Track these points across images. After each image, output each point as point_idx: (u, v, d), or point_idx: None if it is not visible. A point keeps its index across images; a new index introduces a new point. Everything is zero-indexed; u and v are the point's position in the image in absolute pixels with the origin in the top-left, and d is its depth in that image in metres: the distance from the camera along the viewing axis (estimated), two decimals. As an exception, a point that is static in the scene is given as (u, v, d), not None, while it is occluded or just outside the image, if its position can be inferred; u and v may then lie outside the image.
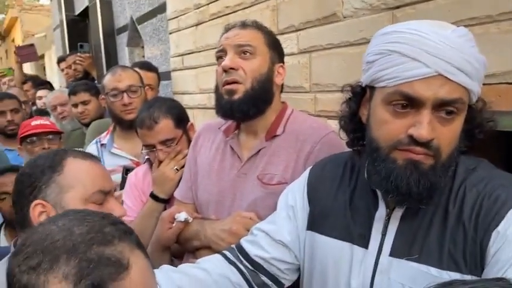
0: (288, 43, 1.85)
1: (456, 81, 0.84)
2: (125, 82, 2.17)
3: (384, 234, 0.98)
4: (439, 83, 0.84)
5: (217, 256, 1.22)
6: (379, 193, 1.02)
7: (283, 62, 1.52)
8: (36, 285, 0.58)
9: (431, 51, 0.83)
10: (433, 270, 0.88)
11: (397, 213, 0.97)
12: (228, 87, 1.41)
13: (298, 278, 1.23)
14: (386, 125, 0.91)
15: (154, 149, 1.77)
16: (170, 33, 3.03)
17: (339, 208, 1.09)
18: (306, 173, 1.23)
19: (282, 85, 1.54)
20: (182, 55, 2.88)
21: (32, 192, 1.01)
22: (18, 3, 14.43)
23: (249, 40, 1.42)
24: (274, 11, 1.95)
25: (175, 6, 2.91)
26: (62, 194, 1.01)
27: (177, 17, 2.91)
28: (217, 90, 1.48)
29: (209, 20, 2.52)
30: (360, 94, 1.04)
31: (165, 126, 1.73)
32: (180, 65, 2.96)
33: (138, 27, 3.95)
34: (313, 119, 1.64)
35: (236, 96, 1.40)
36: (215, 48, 2.43)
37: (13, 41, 15.68)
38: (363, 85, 1.01)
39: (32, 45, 5.40)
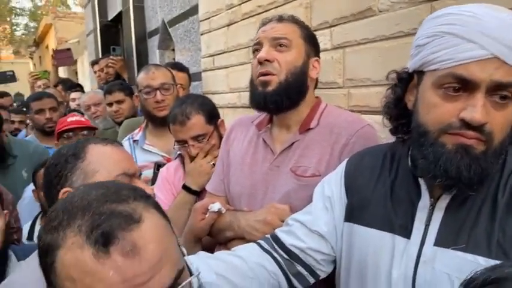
0: (321, 39, 1.84)
1: (511, 64, 0.81)
2: (158, 80, 2.21)
3: (427, 225, 0.95)
4: (495, 65, 0.81)
5: (252, 245, 1.21)
6: (422, 182, 0.99)
7: (318, 57, 1.52)
8: (56, 241, 0.61)
9: (488, 32, 0.81)
10: (481, 260, 0.85)
11: (442, 203, 0.94)
12: (262, 78, 1.41)
13: (333, 271, 1.21)
14: (436, 109, 0.88)
15: (186, 145, 1.79)
16: (201, 34, 3.07)
17: (379, 199, 1.06)
18: (343, 165, 1.21)
19: (317, 80, 1.54)
20: (213, 55, 2.92)
21: (59, 182, 1.04)
22: (52, 11, 14.96)
23: (285, 33, 1.43)
24: (308, 8, 1.96)
25: (207, 7, 2.95)
26: (87, 180, 1.03)
27: (208, 18, 2.95)
28: (252, 82, 1.49)
29: (241, 20, 2.54)
30: (406, 80, 1.02)
31: (197, 122, 1.76)
32: (210, 65, 3.00)
33: (170, 29, 4.02)
34: (348, 113, 1.63)
35: (270, 88, 1.40)
36: (246, 47, 2.47)
37: (47, 47, 16.23)
38: (410, 71, 1.00)
39: (68, 49, 5.59)
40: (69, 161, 1.05)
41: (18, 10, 23.16)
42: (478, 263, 0.85)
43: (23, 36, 23.81)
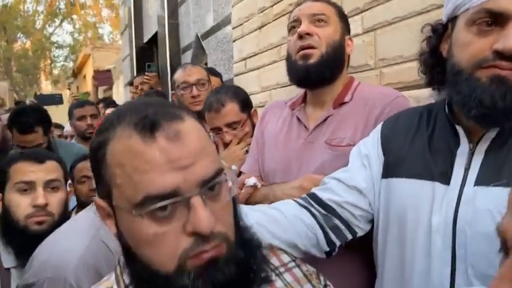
0: (352, 26, 1.89)
1: None
2: (194, 76, 2.31)
3: (467, 168, 0.94)
4: None
5: (290, 201, 1.21)
6: (459, 129, 0.99)
7: (350, 34, 1.56)
8: (108, 137, 0.65)
9: None
10: None
11: (482, 147, 0.94)
12: (303, 52, 1.45)
13: (370, 236, 1.20)
14: (470, 45, 0.90)
15: (221, 132, 1.85)
16: (234, 41, 3.19)
17: (417, 151, 1.06)
18: (379, 127, 1.22)
19: (349, 58, 1.58)
20: (245, 59, 3.02)
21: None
22: (91, 42, 15.78)
23: (322, 10, 1.48)
24: (339, -3, 2.02)
25: (240, 14, 3.08)
26: None
27: (241, 24, 3.07)
28: (289, 58, 1.52)
29: (273, 21, 2.64)
30: (440, 31, 1.04)
31: (231, 109, 1.82)
32: (243, 69, 3.09)
33: (203, 42, 4.18)
34: (381, 87, 1.66)
35: (312, 61, 1.44)
36: (278, 46, 2.54)
37: (84, 77, 17.01)
38: (444, 21, 1.02)
39: (109, 70, 5.89)
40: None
41: (59, 44, 24.59)
42: None
43: (62, 67, 25.10)
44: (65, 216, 1.53)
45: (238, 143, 1.88)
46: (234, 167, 1.58)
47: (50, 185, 1.49)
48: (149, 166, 0.60)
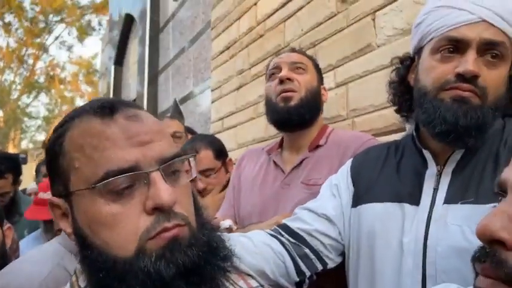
0: (326, 81, 2.03)
1: (499, 27, 0.93)
2: (171, 128, 2.37)
3: (436, 189, 0.98)
4: (483, 27, 0.93)
5: (259, 231, 1.19)
6: (426, 154, 1.05)
7: (323, 85, 1.68)
8: (66, 128, 0.66)
9: (474, 0, 0.94)
10: (490, 206, 0.86)
11: (448, 169, 0.98)
12: (284, 95, 1.53)
13: (343, 268, 1.19)
14: (434, 70, 0.98)
15: (194, 179, 1.86)
16: (212, 102, 3.31)
17: (386, 176, 1.10)
18: (349, 162, 1.27)
19: (323, 106, 1.68)
20: (223, 118, 3.11)
21: None
22: (65, 114, 15.75)
23: (301, 59, 1.61)
24: (313, 55, 2.19)
25: (219, 77, 3.23)
26: None
27: (219, 86, 3.22)
28: (269, 102, 1.60)
29: (251, 81, 2.78)
30: (408, 63, 1.14)
31: (206, 156, 1.85)
32: (220, 128, 3.17)
33: (181, 106, 4.30)
34: (354, 131, 1.74)
35: (292, 103, 1.52)
36: (255, 104, 2.66)
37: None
38: (412, 54, 1.13)
39: None
40: None
41: (32, 115, 24.50)
42: (487, 208, 0.86)
43: (32, 139, 24.79)
44: (4, 258, 1.41)
45: (221, 191, 1.87)
46: (225, 222, 1.55)
47: None
48: (109, 143, 0.61)
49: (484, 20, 0.93)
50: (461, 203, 0.93)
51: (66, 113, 0.71)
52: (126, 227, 0.60)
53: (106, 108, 0.63)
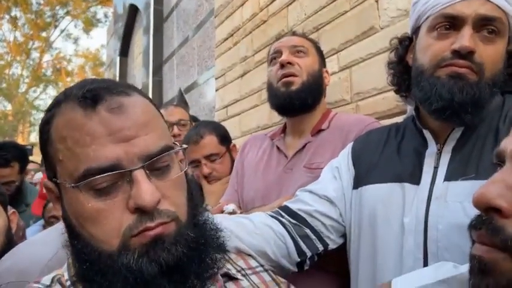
0: (329, 65, 2.01)
1: (495, 2, 0.92)
2: (176, 116, 2.36)
3: (436, 167, 0.98)
4: (479, 2, 0.92)
5: (260, 212, 1.20)
6: (426, 133, 1.05)
7: (326, 68, 1.67)
8: (53, 113, 0.64)
9: None
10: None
11: (448, 147, 0.98)
12: (285, 79, 1.53)
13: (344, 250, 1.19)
14: (430, 48, 0.97)
15: (199, 164, 1.85)
16: (216, 90, 3.30)
17: (386, 158, 1.10)
18: (349, 144, 1.26)
19: (325, 90, 1.67)
20: (227, 106, 3.11)
21: None
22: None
23: (302, 43, 1.59)
24: (316, 39, 2.17)
25: (223, 64, 3.22)
26: None
27: (223, 74, 3.21)
28: (271, 87, 1.59)
29: (254, 68, 2.77)
30: (406, 43, 1.13)
31: (210, 141, 1.84)
32: (224, 116, 3.17)
33: (186, 96, 4.30)
34: (357, 115, 1.73)
35: (294, 87, 1.51)
36: (259, 91, 2.65)
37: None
38: (410, 34, 1.12)
39: None
40: None
41: (40, 108, 24.70)
42: None
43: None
44: (10, 242, 1.42)
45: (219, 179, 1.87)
46: (229, 207, 1.55)
47: None
48: (89, 138, 0.59)
49: None
50: (461, 180, 0.92)
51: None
52: (109, 223, 0.60)
53: (88, 99, 0.60)
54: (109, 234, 0.60)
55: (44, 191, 0.68)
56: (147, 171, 0.60)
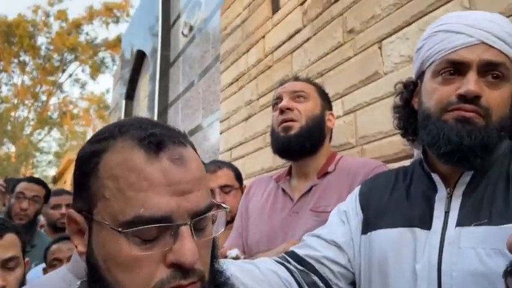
0: (333, 108, 2.04)
1: (497, 47, 0.94)
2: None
3: (447, 212, 0.96)
4: (482, 48, 0.94)
5: (266, 258, 1.17)
6: (435, 177, 1.04)
7: (331, 111, 1.69)
8: (104, 146, 0.61)
9: (473, 23, 0.96)
10: (505, 226, 0.85)
11: (459, 191, 0.97)
12: (284, 124, 1.55)
13: None
14: (436, 92, 0.98)
15: (213, 194, 1.85)
16: (221, 133, 3.33)
17: (395, 202, 1.08)
18: (357, 188, 1.26)
19: (331, 132, 1.68)
20: (231, 149, 3.12)
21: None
22: (77, 148, 16.02)
23: (303, 88, 1.63)
24: (320, 84, 2.21)
25: (228, 108, 3.27)
26: None
27: (228, 117, 3.25)
28: (273, 132, 1.62)
29: (259, 112, 2.81)
30: (411, 87, 1.15)
31: (227, 173, 1.91)
32: (228, 159, 3.17)
33: (190, 138, 4.33)
34: (363, 158, 1.73)
35: (292, 132, 1.53)
36: (263, 134, 2.67)
37: (65, 183, 16.86)
38: (415, 79, 1.14)
39: None
40: None
41: (43, 150, 24.86)
42: (501, 228, 0.85)
43: (43, 173, 25.02)
44: None
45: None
46: (232, 252, 1.54)
47: (7, 265, 1.35)
48: (147, 184, 0.57)
49: (482, 42, 0.94)
50: (474, 225, 0.90)
51: (107, 128, 0.65)
52: (141, 273, 0.58)
53: (152, 144, 0.59)
54: (139, 285, 0.58)
55: (66, 221, 0.65)
56: (192, 228, 0.59)
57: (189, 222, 0.59)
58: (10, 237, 1.37)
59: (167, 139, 0.60)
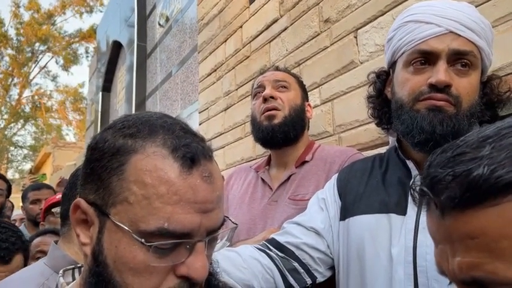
0: (311, 98, 2.06)
1: (465, 36, 0.97)
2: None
3: None
4: (451, 37, 0.97)
5: (247, 245, 1.21)
6: (410, 164, 1.08)
7: (309, 102, 1.71)
8: (132, 146, 0.59)
9: (441, 13, 0.99)
10: None
11: None
12: (268, 113, 1.57)
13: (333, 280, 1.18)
14: (408, 82, 1.02)
15: None
16: (200, 124, 3.32)
17: (372, 189, 1.12)
18: (335, 176, 1.29)
19: (309, 122, 1.71)
20: (211, 139, 3.12)
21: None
22: (53, 141, 15.67)
23: (284, 77, 1.65)
24: (298, 73, 2.23)
25: (206, 98, 3.26)
26: None
27: (207, 108, 3.24)
28: (254, 121, 1.63)
29: (238, 102, 2.81)
30: (383, 77, 1.18)
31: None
32: (208, 149, 3.17)
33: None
34: (340, 147, 1.76)
35: (276, 121, 1.55)
36: (242, 124, 2.67)
37: (43, 176, 16.50)
38: (387, 68, 1.17)
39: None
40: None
41: (18, 144, 24.20)
42: None
43: (19, 168, 24.41)
44: None
45: None
46: None
47: None
48: (176, 199, 0.57)
49: (451, 32, 0.97)
50: None
51: (137, 116, 0.63)
52: (151, 279, 0.59)
53: (187, 158, 0.58)
54: None
55: (71, 208, 0.63)
56: (206, 245, 0.61)
57: (204, 239, 0.60)
58: (16, 261, 1.43)
59: (200, 153, 0.60)
